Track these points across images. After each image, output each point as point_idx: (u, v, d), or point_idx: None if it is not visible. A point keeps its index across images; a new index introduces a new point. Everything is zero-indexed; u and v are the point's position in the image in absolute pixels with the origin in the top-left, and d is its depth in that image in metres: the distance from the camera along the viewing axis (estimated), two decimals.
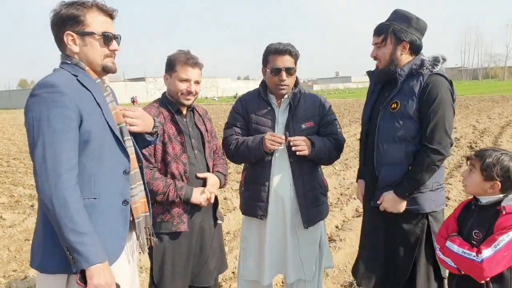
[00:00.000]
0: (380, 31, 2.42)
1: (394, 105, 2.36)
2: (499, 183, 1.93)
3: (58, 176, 1.54)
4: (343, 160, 8.76)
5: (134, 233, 1.93)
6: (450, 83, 2.32)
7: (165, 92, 2.56)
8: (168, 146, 2.41)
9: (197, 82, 2.47)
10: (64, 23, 1.69)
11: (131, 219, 1.86)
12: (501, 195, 1.95)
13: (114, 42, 1.80)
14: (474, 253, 1.86)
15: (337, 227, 5.01)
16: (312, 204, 2.65)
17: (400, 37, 2.35)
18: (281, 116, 2.65)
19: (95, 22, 1.73)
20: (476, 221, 1.99)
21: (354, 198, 5.85)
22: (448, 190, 5.87)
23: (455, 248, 1.95)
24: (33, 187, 7.71)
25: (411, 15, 2.38)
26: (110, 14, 1.79)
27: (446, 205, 4.52)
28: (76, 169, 1.61)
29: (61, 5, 1.71)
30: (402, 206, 2.36)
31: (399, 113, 2.33)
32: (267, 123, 2.63)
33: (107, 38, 1.76)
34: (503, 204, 1.90)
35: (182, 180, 2.42)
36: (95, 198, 1.68)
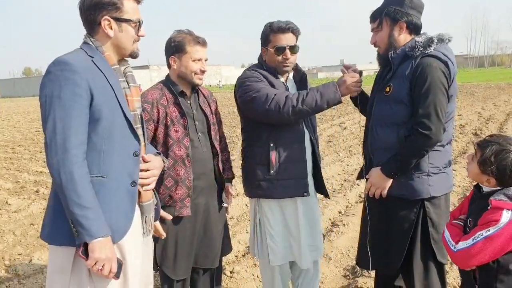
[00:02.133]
0: (375, 16, 2.37)
1: (387, 89, 2.31)
2: (494, 180, 1.84)
3: (67, 151, 1.59)
4: (347, 147, 8.76)
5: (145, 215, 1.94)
6: (445, 64, 2.20)
7: (168, 74, 2.54)
8: (170, 129, 2.39)
9: (205, 60, 2.49)
10: (102, 8, 1.74)
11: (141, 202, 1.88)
12: (499, 188, 1.84)
13: (143, 28, 1.87)
14: (453, 243, 1.84)
15: (340, 212, 5.03)
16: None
17: (395, 18, 2.28)
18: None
19: (130, 9, 1.79)
20: (474, 208, 1.93)
21: (357, 184, 5.86)
22: (452, 176, 5.82)
23: (446, 233, 1.94)
24: (37, 173, 7.77)
25: None
26: (139, 0, 1.85)
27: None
28: (84, 145, 1.65)
29: None
30: (387, 184, 2.32)
31: (392, 97, 2.28)
32: None
33: (140, 25, 1.84)
34: (492, 197, 1.80)
35: (184, 164, 2.41)
36: (103, 177, 1.71)
